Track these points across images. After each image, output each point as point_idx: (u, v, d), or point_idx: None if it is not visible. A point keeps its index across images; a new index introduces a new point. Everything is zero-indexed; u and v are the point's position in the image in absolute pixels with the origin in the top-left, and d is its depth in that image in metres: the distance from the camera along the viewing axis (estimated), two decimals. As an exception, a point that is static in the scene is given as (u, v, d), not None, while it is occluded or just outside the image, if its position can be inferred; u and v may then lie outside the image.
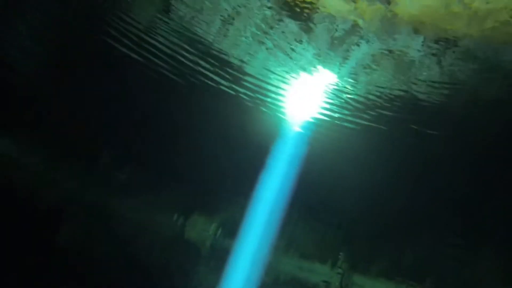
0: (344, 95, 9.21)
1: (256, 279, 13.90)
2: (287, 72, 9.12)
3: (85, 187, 13.58)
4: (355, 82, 9.56)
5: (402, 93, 9.45)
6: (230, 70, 9.88)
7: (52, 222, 13.40)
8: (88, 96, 12.22)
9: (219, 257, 14.35)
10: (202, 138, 12.38)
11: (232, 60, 9.93)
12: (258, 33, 9.02)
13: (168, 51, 10.32)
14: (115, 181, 13.79)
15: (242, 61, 9.75)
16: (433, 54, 8.94)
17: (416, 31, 8.41)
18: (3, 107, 11.93)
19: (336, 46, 8.95)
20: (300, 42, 8.55)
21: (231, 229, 14.14)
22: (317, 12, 8.26)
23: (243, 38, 9.48)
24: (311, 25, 8.25)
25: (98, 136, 13.15)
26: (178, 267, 14.43)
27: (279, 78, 9.48)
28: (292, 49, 8.77)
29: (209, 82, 10.63)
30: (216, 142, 11.99)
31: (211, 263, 14.53)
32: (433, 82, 9.41)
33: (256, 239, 13.64)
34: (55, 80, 12.06)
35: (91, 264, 13.55)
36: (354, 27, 8.78)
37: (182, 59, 10.21)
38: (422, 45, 8.63)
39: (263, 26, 8.96)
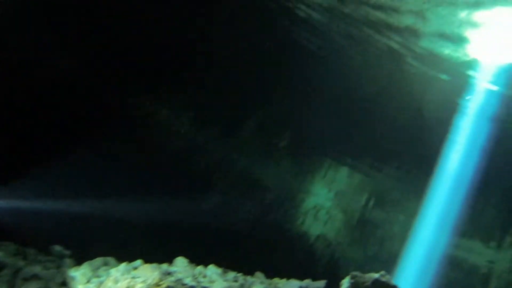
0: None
1: (407, 254, 13.51)
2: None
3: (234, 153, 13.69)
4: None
5: None
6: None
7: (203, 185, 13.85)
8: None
9: (365, 229, 14.12)
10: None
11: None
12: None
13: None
14: (265, 148, 13.78)
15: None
16: None
17: None
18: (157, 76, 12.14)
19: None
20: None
21: (381, 201, 13.77)
22: None
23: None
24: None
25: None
26: (320, 237, 14.40)
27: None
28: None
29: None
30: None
31: (355, 235, 14.36)
32: None
33: (408, 213, 13.15)
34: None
35: (233, 224, 13.90)
36: None
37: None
38: None
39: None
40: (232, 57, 11.74)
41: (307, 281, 8.24)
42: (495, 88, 9.30)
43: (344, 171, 13.64)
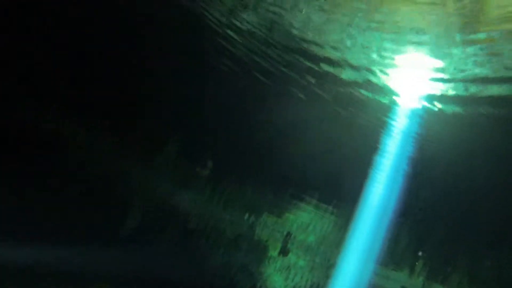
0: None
1: (325, 284, 13.69)
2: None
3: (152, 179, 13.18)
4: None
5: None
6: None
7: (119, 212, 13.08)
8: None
9: (286, 259, 14.08)
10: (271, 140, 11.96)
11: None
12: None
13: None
14: (183, 174, 13.39)
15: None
16: None
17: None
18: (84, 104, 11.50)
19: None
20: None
21: (303, 231, 13.87)
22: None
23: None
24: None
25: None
26: (242, 267, 14.12)
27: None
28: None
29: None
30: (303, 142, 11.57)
31: (277, 265, 14.26)
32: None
33: (329, 244, 13.42)
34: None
35: (153, 256, 13.20)
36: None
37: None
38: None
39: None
40: (152, 82, 11.41)
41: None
42: (410, 129, 9.80)
43: (265, 202, 13.68)
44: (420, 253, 12.36)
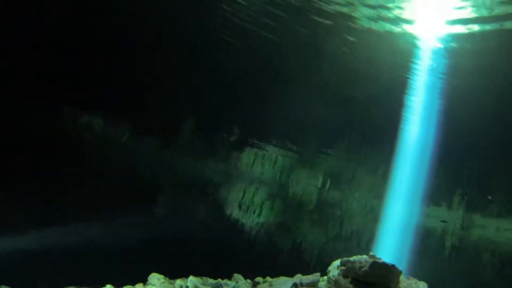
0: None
1: (365, 229, 13.83)
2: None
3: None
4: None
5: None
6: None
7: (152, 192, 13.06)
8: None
9: (323, 210, 14.19)
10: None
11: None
12: None
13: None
14: (210, 146, 13.26)
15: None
16: None
17: None
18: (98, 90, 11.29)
19: None
20: None
21: (336, 181, 13.90)
22: None
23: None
24: None
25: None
26: (280, 226, 14.24)
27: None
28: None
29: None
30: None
31: (314, 218, 14.39)
32: None
33: (365, 189, 13.46)
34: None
35: (191, 229, 13.28)
36: None
37: None
38: None
39: None
40: (162, 61, 11.20)
41: (298, 276, 7.93)
42: (438, 63, 9.62)
43: (294, 157, 13.59)
44: (457, 188, 12.42)
